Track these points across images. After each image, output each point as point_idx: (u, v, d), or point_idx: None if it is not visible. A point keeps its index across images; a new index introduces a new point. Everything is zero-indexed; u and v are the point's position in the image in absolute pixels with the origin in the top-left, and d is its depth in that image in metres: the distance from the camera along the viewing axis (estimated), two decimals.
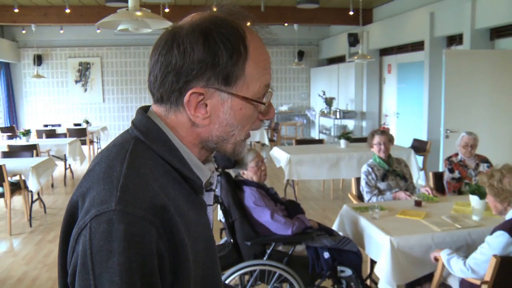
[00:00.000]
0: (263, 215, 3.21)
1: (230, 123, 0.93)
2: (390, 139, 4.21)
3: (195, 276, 0.91)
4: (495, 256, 2.46)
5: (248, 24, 0.96)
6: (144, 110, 0.98)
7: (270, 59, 0.98)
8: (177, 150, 0.93)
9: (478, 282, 2.58)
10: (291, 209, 3.47)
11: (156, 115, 0.95)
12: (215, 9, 0.95)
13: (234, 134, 0.95)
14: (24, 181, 5.66)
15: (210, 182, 1.04)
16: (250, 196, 3.26)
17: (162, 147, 0.92)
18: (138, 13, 3.10)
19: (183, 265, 0.87)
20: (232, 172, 3.55)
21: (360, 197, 4.29)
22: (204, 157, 1.01)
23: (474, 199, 3.32)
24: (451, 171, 4.41)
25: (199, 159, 0.98)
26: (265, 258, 3.18)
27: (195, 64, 0.87)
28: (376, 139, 4.18)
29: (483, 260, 2.54)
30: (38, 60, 12.19)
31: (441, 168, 4.60)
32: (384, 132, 4.24)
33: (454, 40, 7.47)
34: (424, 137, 7.70)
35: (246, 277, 3.28)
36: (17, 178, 5.76)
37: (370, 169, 4.12)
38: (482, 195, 3.25)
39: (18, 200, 6.75)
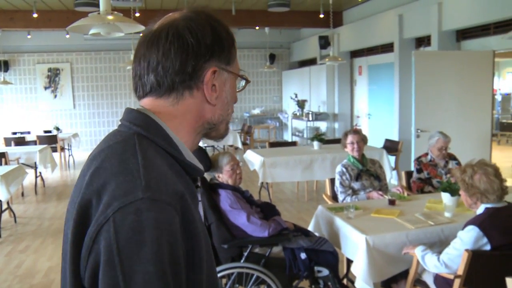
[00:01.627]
0: (239, 218, 3.21)
1: (228, 101, 1.03)
2: (363, 139, 4.27)
3: (206, 269, 0.91)
4: (467, 250, 2.52)
5: None
6: (133, 110, 1.00)
7: None
8: (175, 144, 0.96)
9: (451, 277, 2.63)
10: (267, 211, 3.48)
11: (152, 111, 0.97)
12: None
13: (229, 112, 1.05)
14: None
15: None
16: (225, 199, 3.26)
17: (163, 141, 0.94)
18: (110, 17, 3.06)
19: (197, 256, 0.88)
20: (207, 176, 3.54)
21: (334, 197, 4.33)
22: (196, 145, 1.05)
23: (445, 196, 3.39)
24: (418, 171, 4.51)
25: (192, 147, 1.03)
26: (242, 261, 3.18)
27: (208, 46, 0.96)
28: (350, 138, 4.23)
29: (456, 255, 2.60)
30: (5, 66, 11.90)
31: (412, 167, 4.68)
32: (357, 132, 4.30)
33: (423, 41, 7.63)
34: (395, 137, 7.83)
35: (224, 280, 3.27)
36: None
37: (344, 169, 4.17)
38: (453, 192, 3.32)
39: None
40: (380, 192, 4.01)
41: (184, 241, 0.84)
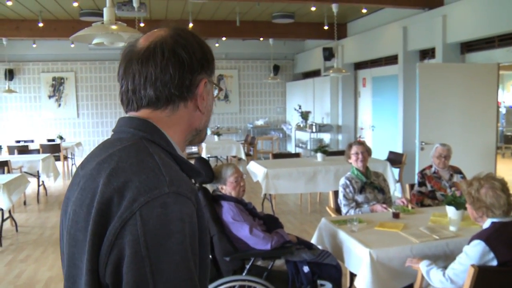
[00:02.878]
0: (242, 230, 3.18)
1: (210, 109, 1.12)
2: (367, 150, 4.24)
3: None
4: (473, 266, 2.47)
5: None
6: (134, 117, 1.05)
7: None
8: (175, 149, 1.03)
9: None
10: (270, 224, 3.45)
11: (149, 119, 1.02)
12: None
13: (209, 120, 1.14)
14: None
15: None
16: (228, 211, 3.23)
17: (168, 146, 1.01)
18: (114, 27, 3.06)
19: (203, 250, 0.93)
20: (209, 187, 3.51)
21: (338, 210, 4.29)
22: (183, 151, 1.11)
23: (450, 210, 3.35)
24: (420, 184, 4.48)
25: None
26: (244, 274, 3.14)
27: (198, 61, 1.04)
28: (354, 149, 4.20)
29: (461, 270, 2.56)
30: (10, 74, 11.94)
31: (416, 180, 4.65)
32: (362, 143, 4.27)
33: (427, 54, 7.62)
34: (399, 150, 7.80)
35: None
36: None
37: (348, 182, 4.13)
38: (458, 206, 3.28)
39: None
40: (384, 205, 3.97)
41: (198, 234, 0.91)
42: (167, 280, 0.82)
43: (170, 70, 1.00)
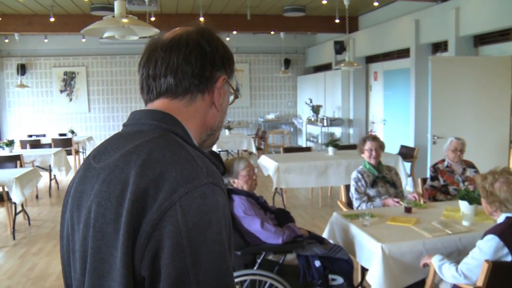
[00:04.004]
0: (253, 224, 3.17)
1: (225, 110, 1.13)
2: (381, 146, 4.20)
3: None
4: (487, 261, 2.44)
5: None
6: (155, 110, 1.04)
7: None
8: (195, 143, 1.04)
9: None
10: (281, 218, 3.44)
11: (168, 111, 1.03)
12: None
13: (223, 121, 1.14)
14: (7, 193, 5.55)
15: None
16: (239, 205, 3.22)
17: (190, 139, 1.02)
18: (125, 20, 3.06)
19: (231, 240, 0.95)
20: None
21: (349, 204, 4.27)
22: None
23: (463, 205, 3.32)
24: (433, 178, 4.43)
25: None
26: (255, 268, 3.14)
27: (220, 56, 1.06)
28: (368, 145, 4.16)
29: (475, 265, 2.53)
30: (22, 69, 12.03)
31: (428, 174, 4.61)
32: (376, 139, 4.23)
33: (439, 47, 7.54)
34: (411, 144, 7.74)
35: (237, 287, 3.23)
36: (0, 189, 5.64)
37: (360, 176, 4.11)
38: (471, 200, 3.25)
39: (1, 212, 6.61)
40: (396, 199, 3.94)
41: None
42: (206, 270, 0.83)
43: (192, 60, 1.02)
